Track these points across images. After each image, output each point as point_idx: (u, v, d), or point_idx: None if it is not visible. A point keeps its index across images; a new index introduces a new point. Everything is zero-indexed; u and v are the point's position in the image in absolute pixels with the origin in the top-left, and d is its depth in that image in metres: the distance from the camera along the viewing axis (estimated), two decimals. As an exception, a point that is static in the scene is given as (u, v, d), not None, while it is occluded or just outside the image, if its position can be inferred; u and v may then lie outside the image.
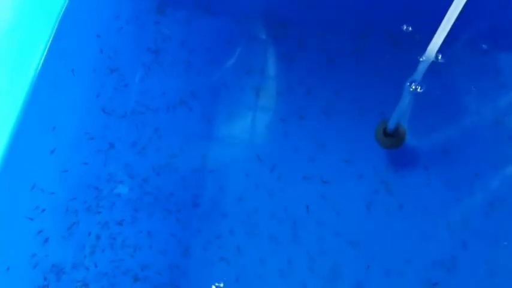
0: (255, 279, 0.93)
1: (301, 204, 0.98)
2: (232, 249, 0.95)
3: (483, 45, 1.11)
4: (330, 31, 1.14)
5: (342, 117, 1.06)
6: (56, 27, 1.07)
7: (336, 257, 0.94)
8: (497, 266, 0.93)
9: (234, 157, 1.03)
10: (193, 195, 0.99)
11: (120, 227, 0.97)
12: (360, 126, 1.05)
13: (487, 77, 1.08)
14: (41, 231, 0.95)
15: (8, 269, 0.93)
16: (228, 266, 0.94)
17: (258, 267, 0.94)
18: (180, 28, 1.14)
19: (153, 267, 0.94)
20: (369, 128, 1.04)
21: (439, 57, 1.07)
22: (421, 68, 1.05)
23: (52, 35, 1.06)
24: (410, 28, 1.11)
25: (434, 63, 1.06)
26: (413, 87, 1.05)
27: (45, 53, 1.05)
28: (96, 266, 0.94)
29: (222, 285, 0.92)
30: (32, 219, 0.96)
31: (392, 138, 1.03)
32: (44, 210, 0.96)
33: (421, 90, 1.05)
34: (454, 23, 0.84)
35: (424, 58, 1.05)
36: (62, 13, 1.09)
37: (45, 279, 0.93)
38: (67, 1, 1.10)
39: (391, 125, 1.02)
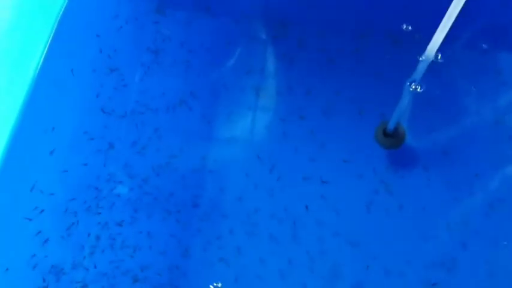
0: (255, 280, 0.93)
1: (301, 204, 0.98)
2: (232, 249, 0.95)
3: (483, 45, 1.11)
4: (330, 31, 1.14)
5: (341, 117, 1.06)
6: (55, 27, 1.07)
7: (336, 257, 0.94)
8: (497, 266, 0.93)
9: (233, 157, 1.03)
10: (193, 196, 0.99)
11: (120, 227, 0.96)
12: (360, 126, 1.05)
13: (487, 77, 1.08)
14: (40, 232, 0.95)
15: (7, 269, 0.92)
16: (228, 266, 0.94)
17: (258, 268, 0.94)
18: (180, 28, 1.14)
19: (153, 267, 0.94)
20: (369, 128, 1.04)
21: (439, 57, 1.07)
22: (421, 68, 1.05)
23: (51, 35, 1.06)
24: (410, 27, 1.11)
25: (434, 63, 1.06)
26: (413, 87, 1.05)
27: (44, 53, 1.04)
28: (95, 267, 0.94)
29: (220, 285, 0.92)
30: (30, 219, 0.95)
31: (392, 139, 1.03)
32: (42, 210, 0.96)
33: (421, 90, 1.05)
34: (454, 22, 0.84)
35: (423, 58, 1.05)
36: (61, 13, 1.08)
37: (44, 280, 0.92)
38: (66, 1, 1.10)
39: (390, 125, 1.02)
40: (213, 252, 0.95)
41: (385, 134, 1.02)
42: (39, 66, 1.03)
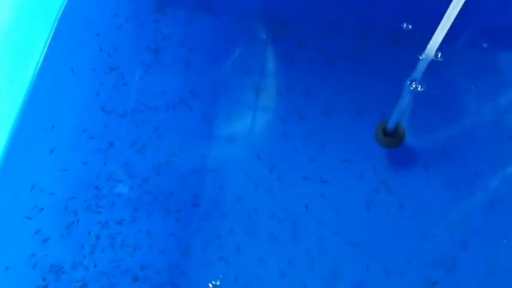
0: (255, 279, 0.93)
1: (301, 203, 0.98)
2: (232, 249, 0.95)
3: (483, 44, 1.11)
4: (330, 31, 1.14)
5: (341, 117, 1.06)
6: (55, 25, 1.07)
7: (336, 257, 0.94)
8: (497, 265, 0.93)
9: (233, 157, 1.03)
10: (193, 195, 0.99)
11: (120, 226, 0.96)
12: (360, 126, 1.05)
13: (487, 76, 1.08)
14: (39, 231, 0.95)
15: (7, 268, 0.92)
16: (228, 265, 0.94)
17: (257, 267, 0.94)
18: (180, 27, 1.14)
19: (153, 266, 0.94)
20: (369, 127, 1.04)
21: (439, 56, 1.07)
22: (421, 67, 1.05)
23: (51, 34, 1.06)
24: (410, 26, 1.11)
25: (434, 62, 1.06)
26: (414, 86, 1.05)
27: (44, 52, 1.04)
28: (95, 266, 0.94)
29: (218, 283, 0.92)
30: (30, 218, 0.95)
31: (392, 138, 1.03)
32: (42, 209, 0.96)
33: (421, 89, 1.05)
34: (454, 21, 0.84)
35: (423, 56, 1.05)
36: (61, 11, 1.08)
37: (44, 279, 0.92)
38: None
39: (390, 125, 1.02)
40: (213, 252, 0.95)
41: (385, 133, 1.03)
42: (39, 65, 1.03)
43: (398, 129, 1.03)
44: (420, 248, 0.95)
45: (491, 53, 1.11)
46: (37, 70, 1.03)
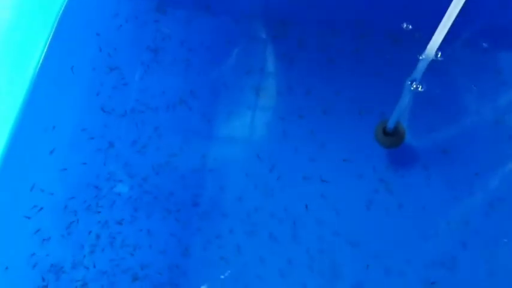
0: (255, 279, 0.93)
1: (300, 203, 0.98)
2: (232, 248, 0.95)
3: (483, 44, 1.11)
4: (330, 31, 1.14)
5: (341, 117, 1.06)
6: (55, 25, 1.07)
7: (336, 257, 0.94)
8: (497, 265, 0.93)
9: (233, 157, 1.03)
10: (193, 195, 0.99)
11: (120, 226, 0.96)
12: (360, 125, 1.05)
13: (487, 76, 1.08)
14: (39, 231, 0.95)
15: (6, 268, 0.92)
16: (228, 265, 0.94)
17: (257, 267, 0.94)
18: (180, 27, 1.14)
19: (153, 266, 0.94)
20: (369, 127, 1.04)
21: (439, 56, 1.07)
22: (421, 67, 1.05)
23: (51, 34, 1.06)
24: (410, 26, 1.11)
25: (434, 62, 1.06)
26: (414, 86, 1.05)
27: (44, 52, 1.04)
28: (95, 265, 0.94)
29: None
30: (30, 218, 0.95)
31: (391, 138, 1.03)
32: (42, 209, 0.96)
33: (422, 89, 1.05)
34: (454, 21, 0.84)
35: (424, 56, 1.05)
36: (61, 11, 1.08)
37: (44, 279, 0.92)
38: (66, -1, 1.10)
39: (390, 125, 1.02)
40: (213, 251, 0.95)
41: (385, 133, 1.02)
42: (39, 65, 1.03)
43: (398, 129, 1.03)
44: (420, 248, 0.95)
45: (491, 53, 1.11)
46: (37, 70, 1.03)
